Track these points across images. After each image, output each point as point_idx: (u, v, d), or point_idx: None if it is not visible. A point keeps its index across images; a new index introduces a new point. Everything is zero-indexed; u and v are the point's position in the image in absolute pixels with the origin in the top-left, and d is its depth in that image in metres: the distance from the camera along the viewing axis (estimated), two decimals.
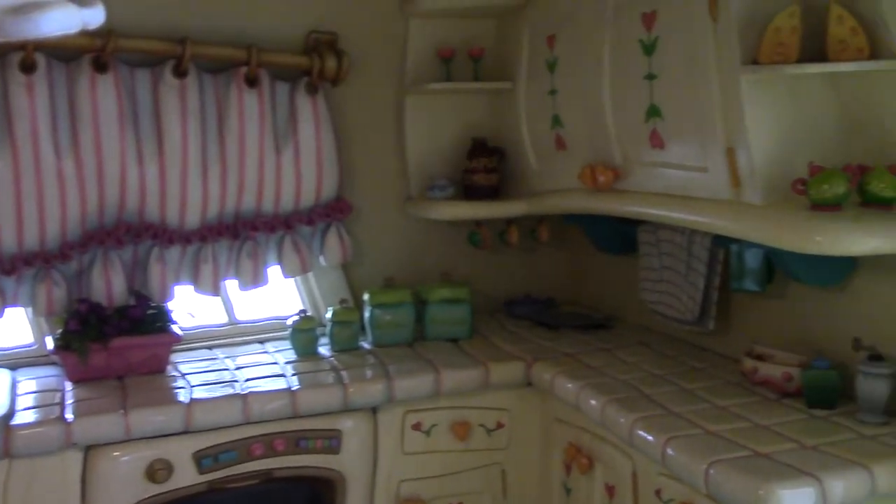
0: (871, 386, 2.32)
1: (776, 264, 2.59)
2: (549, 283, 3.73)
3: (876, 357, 2.32)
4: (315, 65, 3.13)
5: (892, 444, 2.19)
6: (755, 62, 2.22)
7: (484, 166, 3.39)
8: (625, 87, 2.68)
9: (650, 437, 2.36)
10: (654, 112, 2.57)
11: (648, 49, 2.54)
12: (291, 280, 3.43)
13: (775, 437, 2.26)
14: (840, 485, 2.03)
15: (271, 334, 3.37)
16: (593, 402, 2.66)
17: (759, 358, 2.63)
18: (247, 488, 2.76)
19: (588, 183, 2.87)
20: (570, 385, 2.81)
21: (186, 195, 3.08)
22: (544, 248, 3.71)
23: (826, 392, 2.43)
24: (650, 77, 2.56)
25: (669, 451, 2.27)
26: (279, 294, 3.47)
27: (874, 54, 2.12)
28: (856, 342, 2.36)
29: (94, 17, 1.21)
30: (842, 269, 2.45)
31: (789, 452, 2.17)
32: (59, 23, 1.16)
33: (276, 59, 3.12)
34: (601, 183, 2.82)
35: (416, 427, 2.94)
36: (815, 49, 2.19)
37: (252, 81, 3.08)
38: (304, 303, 3.46)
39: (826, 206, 2.17)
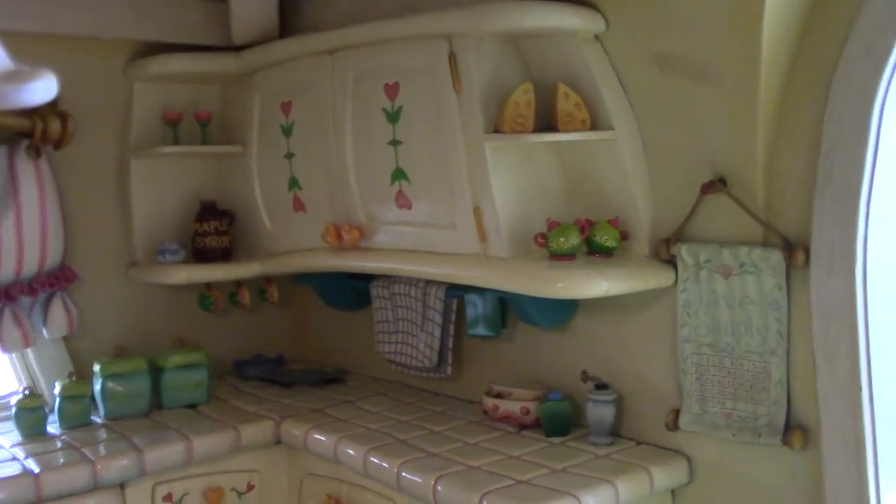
0: (599, 411, 2.66)
1: (514, 310, 2.89)
2: (278, 342, 3.79)
3: (602, 386, 2.67)
4: (38, 126, 2.98)
5: (622, 460, 2.53)
6: (496, 131, 2.50)
7: (215, 229, 3.39)
8: (369, 152, 2.86)
9: (418, 479, 2.51)
10: (399, 175, 2.77)
11: (393, 117, 2.75)
12: (4, 357, 3.18)
13: (528, 465, 2.52)
14: (591, 499, 2.31)
15: None
16: (352, 452, 2.77)
17: (499, 396, 2.89)
18: None
19: (332, 241, 3.00)
20: (324, 439, 2.89)
21: None
22: (272, 308, 3.76)
23: (561, 421, 2.74)
24: (395, 143, 2.76)
25: (440, 489, 2.44)
26: None
27: (594, 125, 2.49)
28: (584, 374, 2.70)
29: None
30: (566, 312, 2.80)
31: (544, 477, 2.43)
32: (42, 93, 1.08)
33: None
34: (346, 241, 2.96)
35: (167, 499, 2.85)
36: (543, 120, 2.53)
37: None
38: (20, 380, 3.21)
39: (563, 256, 2.49)
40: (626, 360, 2.68)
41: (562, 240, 2.48)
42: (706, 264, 2.40)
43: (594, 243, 2.55)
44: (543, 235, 2.51)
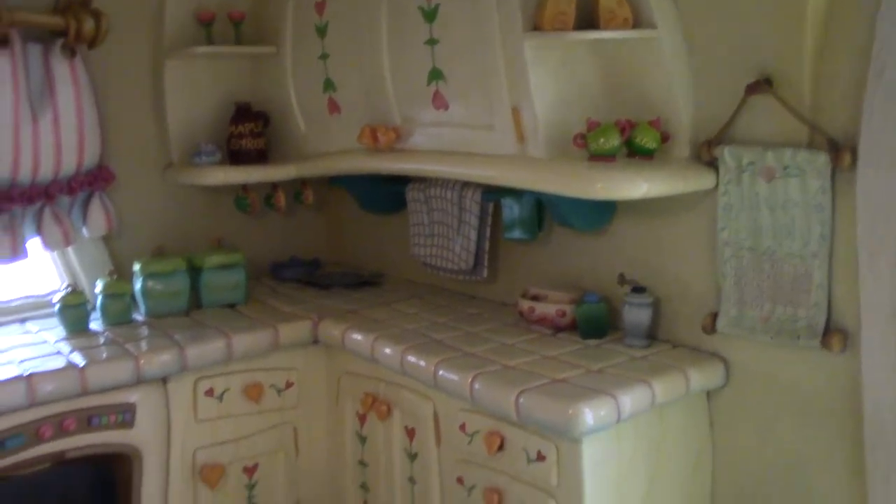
0: (636, 314, 2.66)
1: (551, 213, 2.87)
2: (314, 246, 3.82)
3: (639, 289, 2.67)
4: (71, 25, 2.95)
5: (658, 362, 2.54)
6: (536, 28, 2.45)
7: (250, 131, 3.38)
8: (405, 52, 2.82)
9: (455, 377, 2.55)
10: (436, 75, 2.74)
11: (429, 16, 2.70)
12: (47, 255, 3.23)
13: (564, 366, 2.54)
14: (628, 399, 2.33)
15: (30, 313, 3.16)
16: (389, 351, 2.81)
17: (535, 298, 2.90)
18: (37, 474, 2.60)
19: (368, 143, 2.98)
20: (361, 338, 2.93)
21: None
22: (307, 211, 3.78)
23: (597, 323, 2.76)
24: (431, 42, 2.71)
25: (477, 386, 2.47)
26: (33, 271, 3.24)
27: (636, 24, 2.43)
28: (621, 277, 2.70)
29: None
30: (605, 214, 2.78)
31: (581, 376, 2.45)
32: None
33: (29, 19, 2.89)
34: (382, 143, 2.95)
35: (209, 393, 2.92)
36: (585, 18, 2.47)
37: (2, 42, 2.85)
38: (63, 278, 3.27)
39: (603, 157, 2.46)
40: (664, 263, 2.67)
41: (602, 140, 2.45)
42: (749, 167, 2.36)
43: (634, 145, 2.51)
44: (583, 136, 2.48)
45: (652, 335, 2.69)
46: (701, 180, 2.46)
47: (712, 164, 2.45)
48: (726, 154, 2.40)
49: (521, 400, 2.35)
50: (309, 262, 3.73)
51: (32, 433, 2.57)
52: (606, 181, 2.38)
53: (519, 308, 2.93)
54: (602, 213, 2.76)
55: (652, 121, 2.51)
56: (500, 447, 2.46)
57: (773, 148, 2.31)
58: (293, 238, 3.78)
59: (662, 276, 2.67)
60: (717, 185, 2.45)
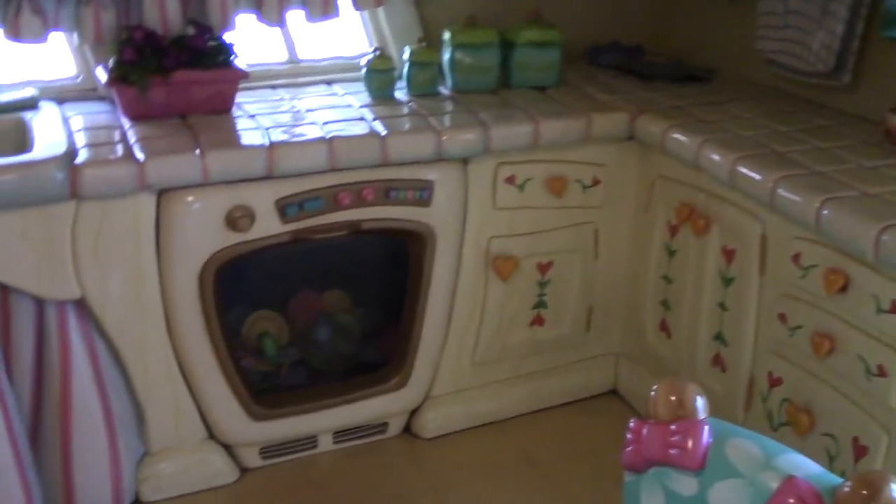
0: None
1: None
2: (637, 31, 3.38)
3: None
4: None
5: None
6: None
7: None
8: None
9: (798, 198, 2.14)
10: None
11: None
12: (358, 16, 3.07)
13: None
14: None
15: (338, 75, 3.05)
16: (717, 158, 2.42)
17: None
18: (333, 240, 2.55)
19: None
20: (685, 139, 2.55)
21: None
22: None
23: None
24: None
25: (826, 213, 2.05)
26: (342, 32, 3.11)
27: None
28: None
29: None
30: None
31: None
32: None
33: None
34: None
35: (510, 181, 2.70)
36: None
37: None
38: (372, 42, 3.11)
39: None
40: None
41: None
42: None
43: None
44: None
45: None
46: None
47: None
48: None
49: (884, 238, 1.91)
50: (631, 48, 3.32)
51: (331, 199, 2.49)
52: None
53: (886, 125, 2.40)
54: None
55: None
56: (843, 288, 2.06)
57: None
58: (616, 20, 3.35)
59: None
60: None
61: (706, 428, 1.40)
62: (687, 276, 2.63)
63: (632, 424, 1.48)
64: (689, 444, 1.37)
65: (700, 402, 1.44)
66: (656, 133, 2.65)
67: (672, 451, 1.38)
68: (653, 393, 1.47)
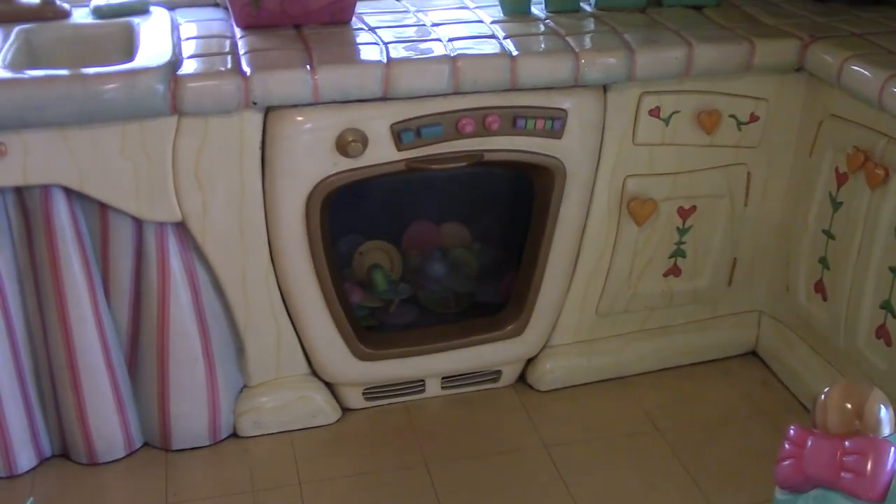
0: None
1: None
2: None
3: None
4: None
5: None
6: None
7: None
8: None
9: None
10: None
11: None
12: None
13: None
14: None
15: None
16: None
17: None
18: (451, 171, 2.31)
19: None
20: (868, 73, 2.18)
21: None
22: None
23: None
24: None
25: None
26: None
27: None
28: None
29: None
30: None
31: None
32: None
33: None
34: None
35: (654, 113, 2.39)
36: None
37: None
38: None
39: None
40: None
41: None
42: None
43: None
44: None
45: None
46: None
47: None
48: None
49: None
50: None
51: (452, 125, 2.24)
52: None
53: None
54: None
55: None
56: None
57: None
58: None
59: None
60: None
61: (892, 450, 1.11)
62: (854, 233, 2.29)
63: (792, 432, 1.21)
64: (868, 468, 1.09)
65: (885, 415, 1.15)
66: (832, 64, 2.28)
67: (845, 475, 1.10)
68: (823, 397, 1.19)
